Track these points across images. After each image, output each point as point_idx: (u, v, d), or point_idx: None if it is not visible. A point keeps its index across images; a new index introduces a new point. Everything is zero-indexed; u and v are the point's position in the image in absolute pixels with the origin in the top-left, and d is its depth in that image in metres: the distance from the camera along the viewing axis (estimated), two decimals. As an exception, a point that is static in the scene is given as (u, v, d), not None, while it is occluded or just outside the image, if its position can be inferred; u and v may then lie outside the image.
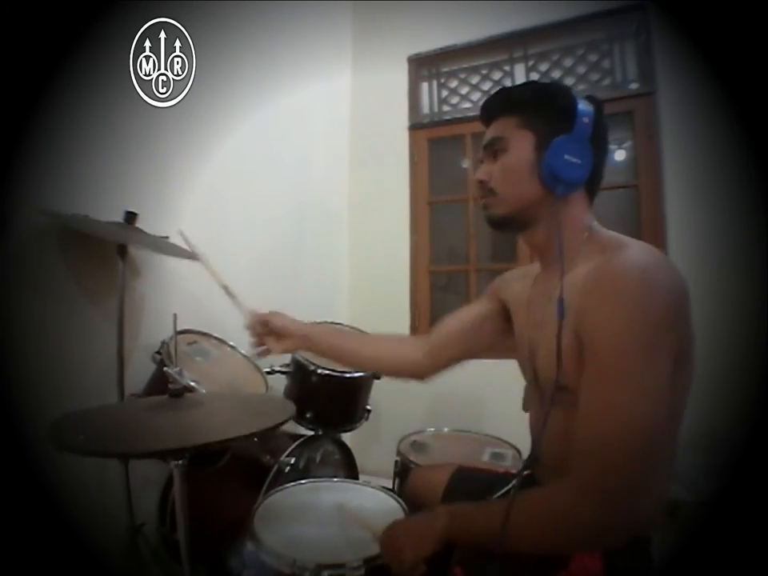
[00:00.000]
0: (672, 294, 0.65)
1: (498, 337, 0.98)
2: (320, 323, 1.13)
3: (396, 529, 0.80)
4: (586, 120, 0.74)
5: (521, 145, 0.78)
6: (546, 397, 0.77)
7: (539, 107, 0.78)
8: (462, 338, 1.00)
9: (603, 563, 0.68)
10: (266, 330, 0.99)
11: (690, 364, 0.69)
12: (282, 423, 0.76)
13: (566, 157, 0.74)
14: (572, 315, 0.70)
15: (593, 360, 0.66)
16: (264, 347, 1.00)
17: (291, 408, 0.88)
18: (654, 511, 0.71)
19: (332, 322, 1.77)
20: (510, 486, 0.89)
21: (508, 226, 0.83)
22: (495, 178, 0.80)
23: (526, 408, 0.95)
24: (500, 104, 0.82)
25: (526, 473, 0.90)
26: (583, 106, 0.75)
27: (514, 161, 0.78)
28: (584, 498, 0.63)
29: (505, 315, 0.97)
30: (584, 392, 0.67)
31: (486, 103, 0.84)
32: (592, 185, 0.80)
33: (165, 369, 1.11)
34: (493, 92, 0.85)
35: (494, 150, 0.81)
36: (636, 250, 0.69)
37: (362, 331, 1.57)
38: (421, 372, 1.03)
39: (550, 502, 0.67)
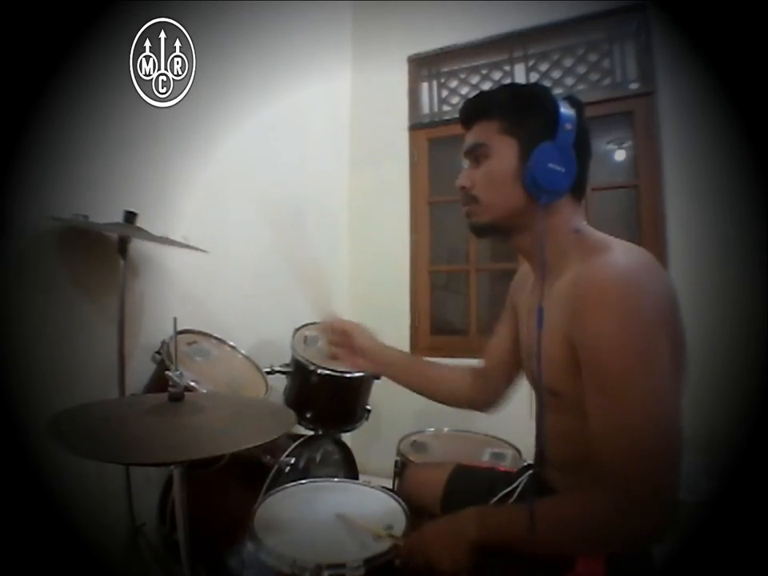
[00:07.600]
0: (658, 296, 0.65)
1: None
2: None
3: (426, 538, 0.75)
4: (568, 126, 0.72)
5: (504, 151, 0.75)
6: (541, 402, 0.77)
7: (521, 112, 0.75)
8: (509, 358, 0.97)
9: (606, 565, 0.68)
10: (344, 341, 0.98)
11: (683, 366, 0.69)
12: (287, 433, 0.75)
13: (550, 165, 0.71)
14: (563, 323, 0.69)
15: (593, 374, 0.65)
16: (336, 353, 0.99)
17: (292, 416, 0.87)
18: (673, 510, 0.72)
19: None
20: (516, 484, 0.89)
21: (492, 233, 0.81)
22: (478, 185, 0.78)
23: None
24: (480, 108, 0.79)
25: (530, 472, 0.90)
26: (565, 110, 0.73)
27: (498, 168, 0.76)
28: (617, 507, 0.63)
29: None
30: (591, 405, 0.66)
31: (464, 106, 0.82)
32: (578, 188, 0.77)
33: (166, 372, 1.10)
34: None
35: (475, 155, 0.79)
36: (620, 254, 0.67)
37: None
38: (486, 404, 1.02)
39: (584, 511, 0.66)
